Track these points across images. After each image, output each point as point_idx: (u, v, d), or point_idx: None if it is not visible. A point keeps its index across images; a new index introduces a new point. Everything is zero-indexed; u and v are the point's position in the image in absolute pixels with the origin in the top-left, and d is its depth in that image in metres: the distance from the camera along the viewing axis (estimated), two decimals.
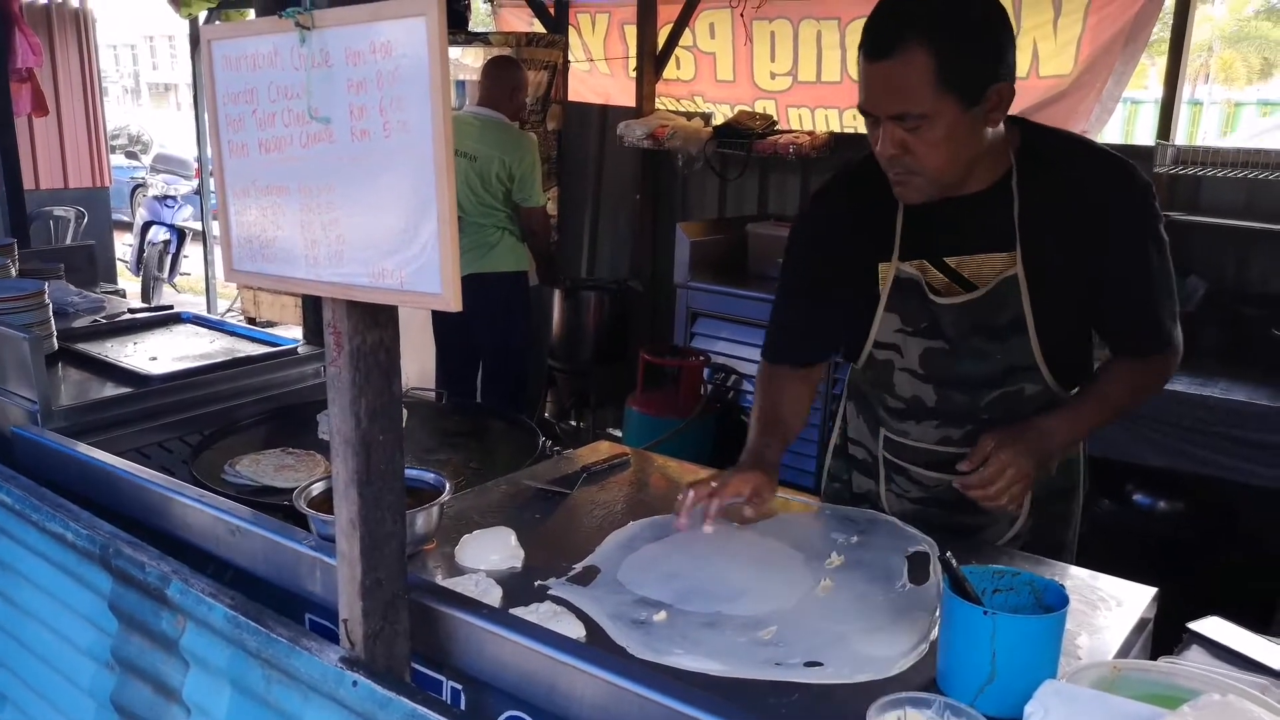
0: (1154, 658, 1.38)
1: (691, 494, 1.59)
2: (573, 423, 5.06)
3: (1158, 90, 3.82)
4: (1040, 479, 1.56)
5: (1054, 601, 1.19)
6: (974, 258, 1.56)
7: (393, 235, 1.03)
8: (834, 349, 1.83)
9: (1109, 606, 1.44)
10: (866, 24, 1.44)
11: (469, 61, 5.29)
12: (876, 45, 1.40)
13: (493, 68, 4.13)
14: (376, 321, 1.12)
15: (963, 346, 1.61)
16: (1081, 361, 1.68)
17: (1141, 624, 1.43)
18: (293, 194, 1.12)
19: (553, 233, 5.05)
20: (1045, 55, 4.03)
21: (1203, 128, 12.96)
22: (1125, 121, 10.95)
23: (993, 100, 1.43)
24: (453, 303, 1.00)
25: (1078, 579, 1.53)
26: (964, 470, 1.51)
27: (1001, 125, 1.53)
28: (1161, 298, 1.58)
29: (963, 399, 1.66)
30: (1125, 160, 1.54)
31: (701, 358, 4.12)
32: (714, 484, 1.60)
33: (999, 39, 1.43)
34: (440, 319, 4.10)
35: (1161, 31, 3.86)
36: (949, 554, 1.20)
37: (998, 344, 1.59)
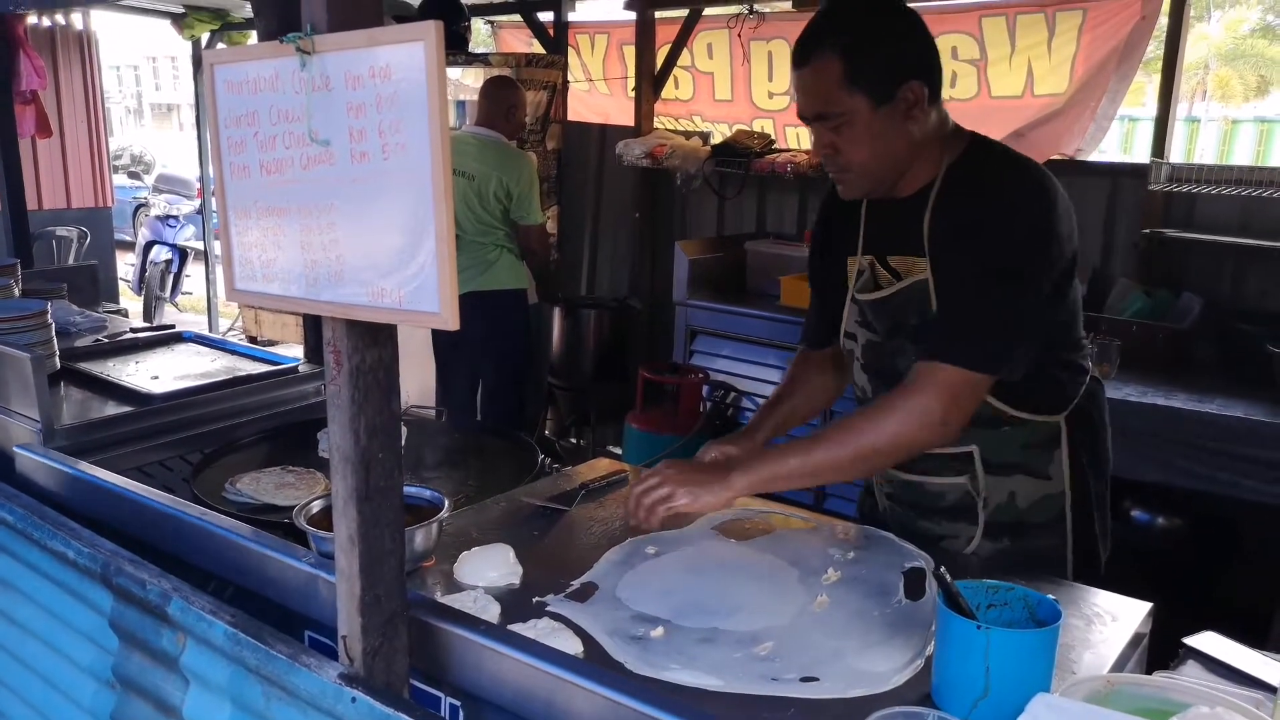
0: (1150, 673, 1.39)
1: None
2: (573, 440, 5.07)
3: (1155, 107, 3.85)
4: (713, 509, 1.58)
5: (1047, 616, 1.19)
6: (906, 258, 1.64)
7: (391, 255, 1.04)
8: (836, 336, 1.90)
9: (1104, 622, 1.45)
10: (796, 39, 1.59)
11: (469, 82, 5.34)
12: (798, 56, 1.58)
13: (490, 88, 4.17)
14: (375, 340, 1.14)
15: (889, 341, 1.69)
16: (1026, 375, 1.64)
17: (1136, 639, 1.44)
18: (293, 215, 1.13)
19: (552, 251, 5.07)
20: (1040, 75, 4.06)
21: (1200, 145, 13.00)
22: (1123, 139, 11.00)
23: (906, 98, 1.53)
24: (450, 321, 1.01)
25: (1073, 594, 1.54)
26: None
27: (948, 131, 1.61)
28: (959, 310, 1.54)
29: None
30: (1032, 175, 1.55)
31: (700, 375, 4.13)
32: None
33: (905, 43, 1.56)
34: (439, 337, 4.11)
35: (1159, 50, 3.89)
36: (943, 569, 1.22)
37: (913, 344, 1.63)
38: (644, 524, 1.53)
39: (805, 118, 1.61)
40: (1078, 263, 1.61)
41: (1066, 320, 1.65)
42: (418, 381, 4.45)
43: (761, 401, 4.07)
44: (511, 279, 4.10)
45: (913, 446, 1.53)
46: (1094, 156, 4.07)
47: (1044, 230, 1.51)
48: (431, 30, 0.96)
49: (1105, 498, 1.81)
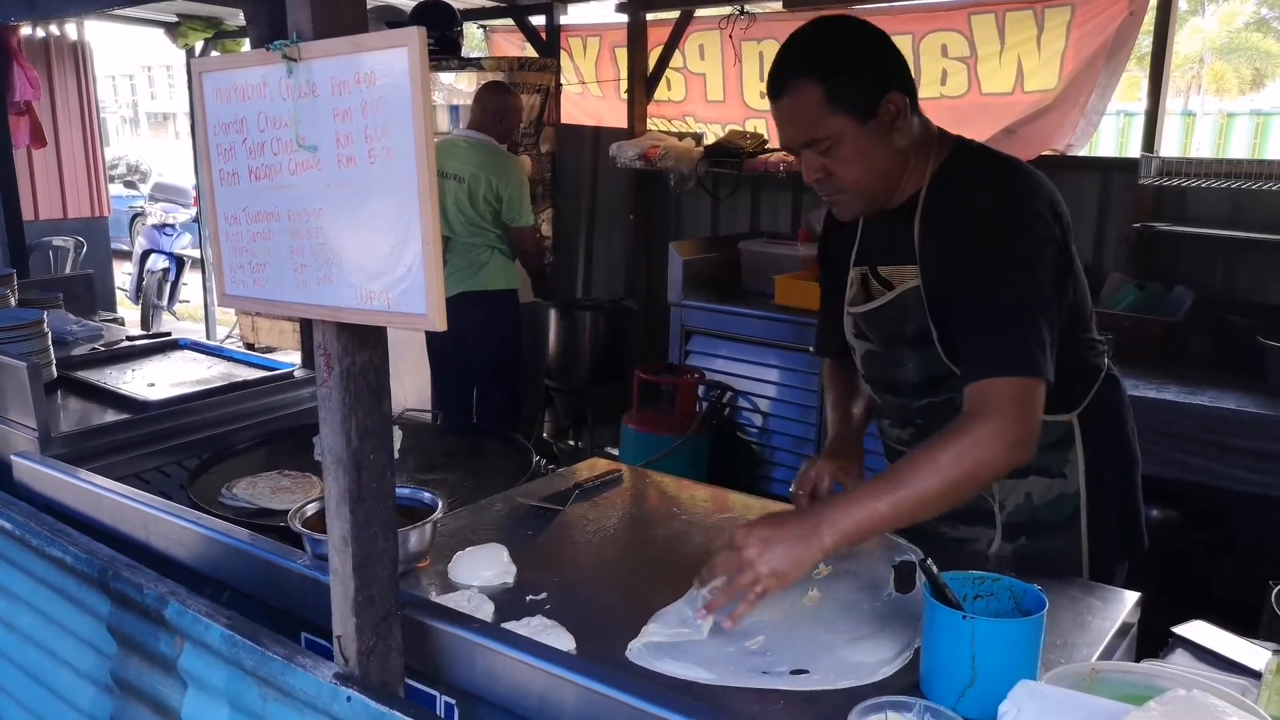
0: (1139, 662, 1.40)
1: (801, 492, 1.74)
2: (570, 442, 5.08)
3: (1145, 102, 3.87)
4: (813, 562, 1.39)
5: (1033, 606, 1.21)
6: (898, 268, 1.65)
7: (379, 258, 1.06)
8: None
9: (1092, 612, 1.46)
10: (768, 73, 1.59)
11: (462, 86, 5.35)
12: (773, 87, 1.57)
13: (481, 93, 4.23)
14: (366, 343, 1.15)
15: (887, 352, 1.70)
16: None
17: (1124, 629, 1.45)
18: (282, 220, 1.15)
19: (547, 254, 5.09)
20: (1029, 71, 4.08)
21: (1196, 138, 13.01)
22: (1119, 134, 11.01)
23: (889, 110, 1.53)
24: (438, 323, 1.03)
25: (1060, 585, 1.55)
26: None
27: (932, 138, 1.61)
28: (979, 324, 1.49)
29: (895, 401, 1.74)
30: (1014, 175, 1.56)
31: (696, 375, 4.15)
32: (813, 476, 1.74)
33: (877, 58, 1.56)
34: (433, 339, 4.14)
35: (1150, 44, 3.90)
36: (929, 560, 1.23)
37: (912, 352, 1.64)
38: (732, 616, 1.37)
39: (791, 147, 1.60)
40: (1075, 259, 1.60)
41: (1067, 317, 1.62)
42: (414, 385, 4.46)
43: (759, 401, 4.10)
44: (503, 279, 4.13)
45: (996, 471, 1.46)
46: (1093, 151, 4.09)
47: (1028, 228, 1.51)
48: (414, 36, 0.97)
49: (1133, 499, 1.77)
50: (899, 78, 1.56)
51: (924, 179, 1.61)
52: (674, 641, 1.36)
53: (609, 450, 4.70)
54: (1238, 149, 11.70)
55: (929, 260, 1.59)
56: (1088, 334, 1.69)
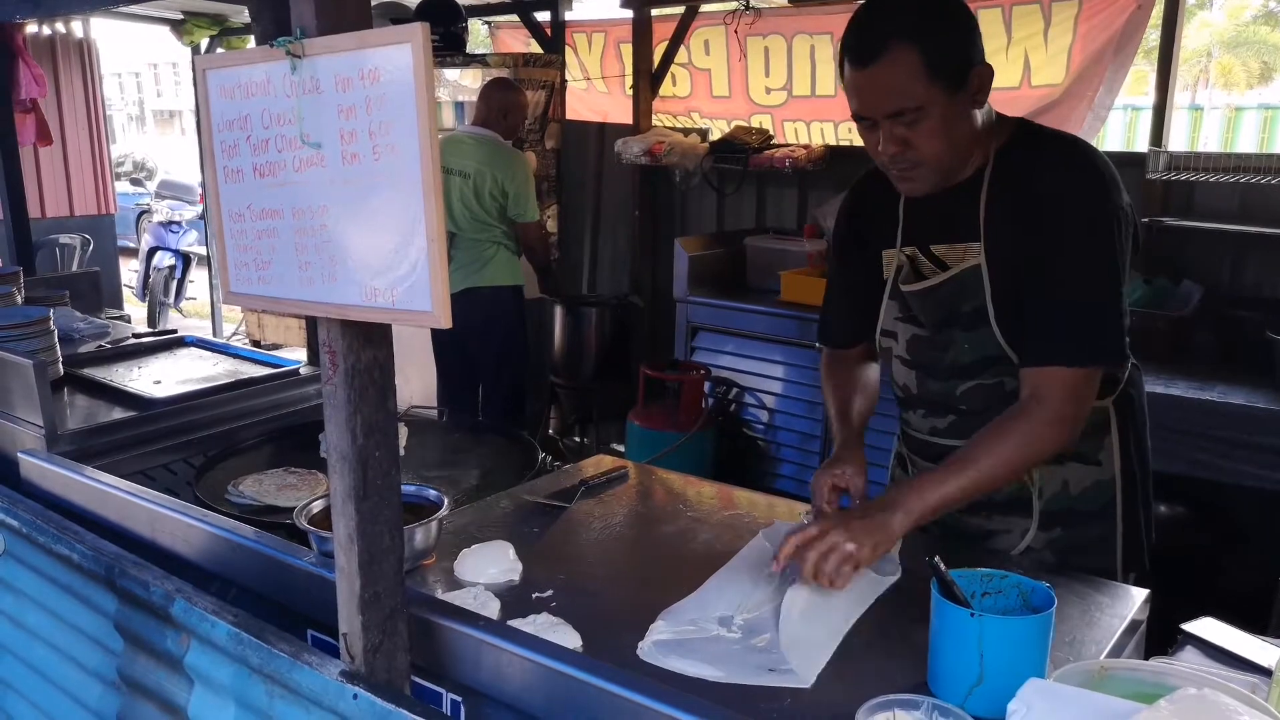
0: (1148, 659, 1.39)
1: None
2: (577, 439, 5.08)
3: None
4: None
5: (1041, 603, 1.20)
6: (954, 246, 1.62)
7: (383, 255, 1.05)
8: (870, 332, 1.83)
9: (1101, 609, 1.45)
10: (846, 36, 1.53)
11: (467, 83, 5.35)
12: (863, 53, 1.49)
13: (486, 89, 4.23)
14: (370, 340, 1.15)
15: (938, 334, 1.66)
16: None
17: (1133, 626, 1.44)
18: (286, 217, 1.15)
19: (553, 250, 5.09)
20: (1037, 65, 4.07)
21: (1204, 132, 12.94)
22: (1126, 128, 10.97)
23: (975, 83, 1.51)
24: (443, 320, 1.02)
25: (1069, 583, 1.54)
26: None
27: (993, 118, 1.60)
28: (1058, 301, 1.50)
29: (939, 386, 1.69)
30: (1087, 156, 1.55)
31: (702, 371, 4.14)
32: (822, 499, 1.65)
33: (969, 27, 1.53)
34: (439, 335, 4.14)
35: (1159, 38, 3.89)
36: (937, 558, 1.22)
37: (966, 332, 1.62)
38: (832, 586, 1.40)
39: (870, 117, 1.52)
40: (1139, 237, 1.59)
41: None
42: (420, 382, 4.47)
43: (764, 397, 4.10)
44: (508, 275, 4.13)
45: (1048, 453, 1.53)
46: (1100, 146, 4.06)
47: (1110, 208, 1.51)
48: (418, 32, 0.97)
49: (1149, 488, 1.77)
50: (981, 51, 1.53)
51: (987, 156, 1.58)
52: (681, 639, 1.36)
53: (615, 447, 4.70)
54: (1246, 143, 11.64)
55: (997, 238, 1.57)
56: (1127, 319, 1.66)
